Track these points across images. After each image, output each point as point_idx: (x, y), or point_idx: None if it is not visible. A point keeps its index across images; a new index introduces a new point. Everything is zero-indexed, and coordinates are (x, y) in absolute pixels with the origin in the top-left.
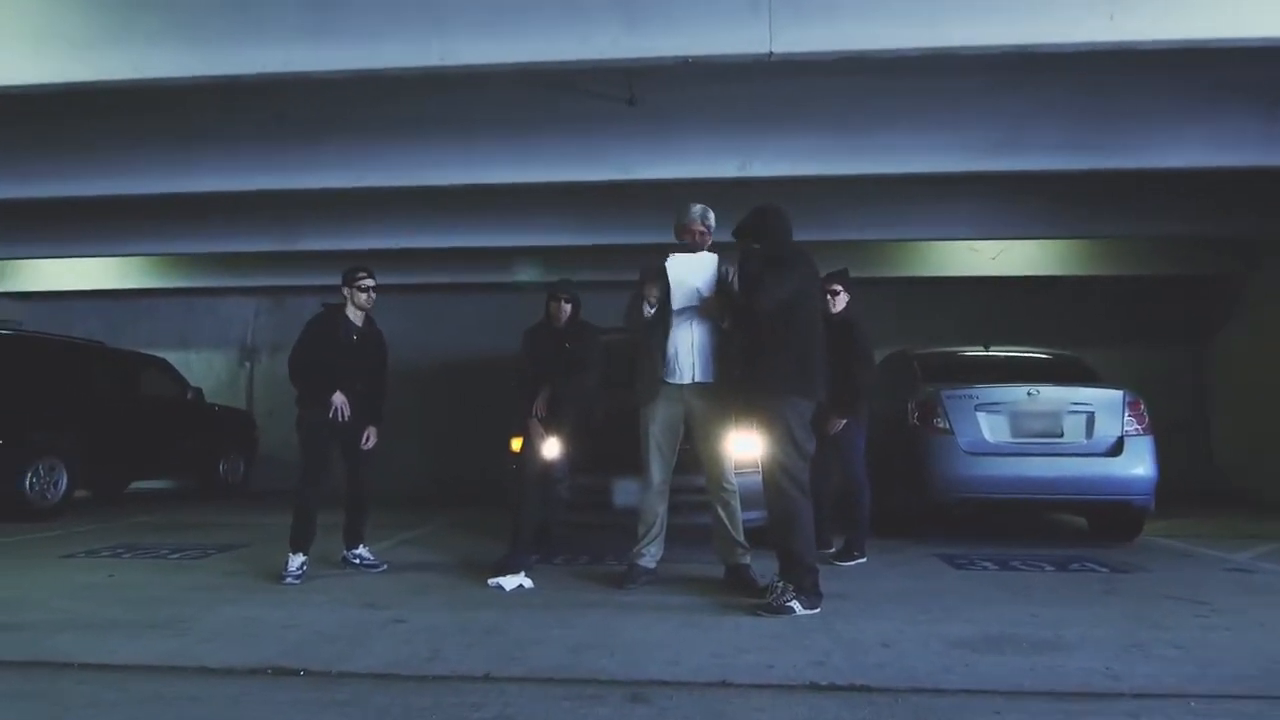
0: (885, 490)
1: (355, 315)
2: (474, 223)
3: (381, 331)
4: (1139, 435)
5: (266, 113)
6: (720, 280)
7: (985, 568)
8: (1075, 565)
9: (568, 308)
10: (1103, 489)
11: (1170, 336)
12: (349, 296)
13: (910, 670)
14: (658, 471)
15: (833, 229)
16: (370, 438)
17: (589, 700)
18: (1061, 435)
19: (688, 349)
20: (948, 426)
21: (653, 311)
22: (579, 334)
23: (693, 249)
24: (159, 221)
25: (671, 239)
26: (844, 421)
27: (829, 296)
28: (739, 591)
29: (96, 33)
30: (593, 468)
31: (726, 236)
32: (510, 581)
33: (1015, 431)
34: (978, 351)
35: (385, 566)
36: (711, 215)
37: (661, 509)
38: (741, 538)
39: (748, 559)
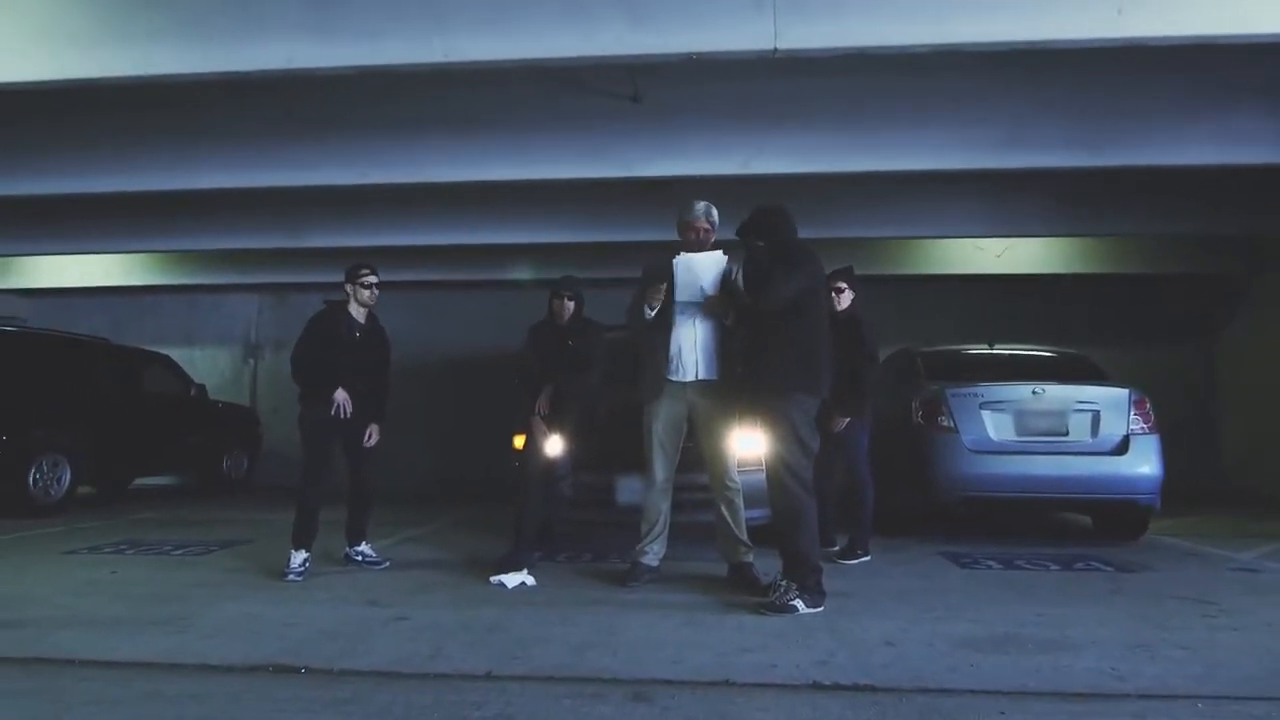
0: (889, 488)
1: (358, 312)
2: (477, 220)
3: (384, 328)
4: (1145, 434)
5: (270, 110)
6: (725, 278)
7: (990, 566)
8: (1080, 564)
9: (571, 305)
10: (1108, 488)
11: (1174, 335)
12: (352, 293)
13: (915, 670)
14: (661, 469)
15: (836, 226)
16: (373, 435)
17: (591, 699)
18: (1067, 434)
19: (691, 347)
20: (952, 425)
21: (653, 314)
22: (582, 331)
23: (696, 246)
24: (163, 218)
25: (675, 236)
26: (848, 419)
27: (834, 294)
28: (742, 590)
29: (100, 30)
30: (596, 465)
31: (729, 234)
32: (513, 579)
33: (1020, 430)
34: (982, 349)
35: (388, 564)
36: (715, 212)
37: (665, 507)
38: (745, 536)
39: (751, 557)
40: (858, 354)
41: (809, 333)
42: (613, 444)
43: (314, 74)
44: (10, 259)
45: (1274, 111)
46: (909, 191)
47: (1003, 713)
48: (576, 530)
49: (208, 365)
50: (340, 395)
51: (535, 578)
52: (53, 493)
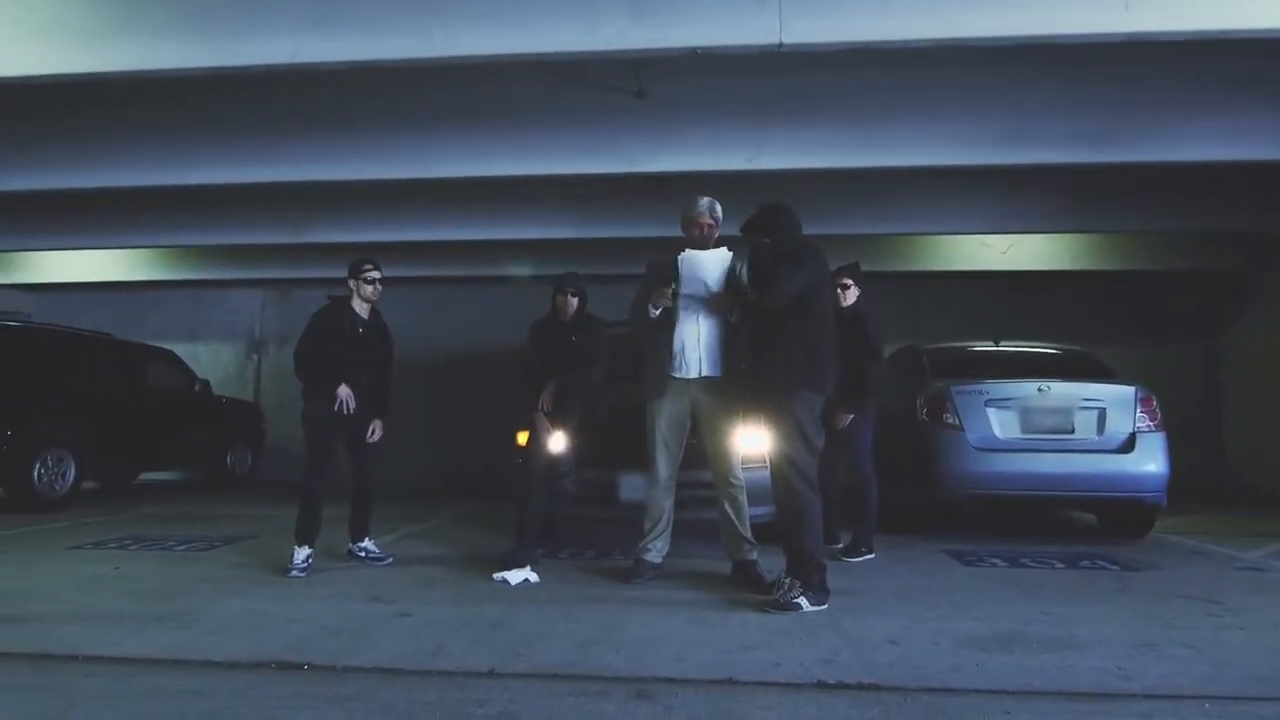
0: (893, 486)
1: (361, 307)
2: (481, 215)
3: (387, 324)
4: (1151, 432)
5: (273, 105)
6: (729, 274)
7: (994, 564)
8: (1085, 562)
9: (574, 301)
10: (1114, 486)
11: (1180, 332)
12: (355, 289)
13: (919, 669)
14: (664, 466)
15: (841, 223)
16: (376, 431)
17: (593, 697)
18: (1073, 431)
19: (694, 343)
20: (957, 422)
21: (658, 313)
22: (585, 328)
23: (700, 243)
24: (166, 213)
25: (678, 232)
26: (851, 416)
27: (839, 290)
28: (746, 587)
29: (103, 24)
30: (599, 462)
31: (733, 230)
32: (516, 576)
33: (1026, 427)
34: (988, 347)
35: (391, 560)
36: (719, 208)
37: (668, 504)
38: (749, 533)
39: (755, 555)
40: (862, 350)
41: (814, 330)
42: (616, 441)
43: (316, 68)
44: (14, 254)
45: None
46: (914, 187)
47: (1008, 712)
48: (580, 527)
49: (211, 361)
50: (343, 391)
51: (538, 574)
52: (58, 488)
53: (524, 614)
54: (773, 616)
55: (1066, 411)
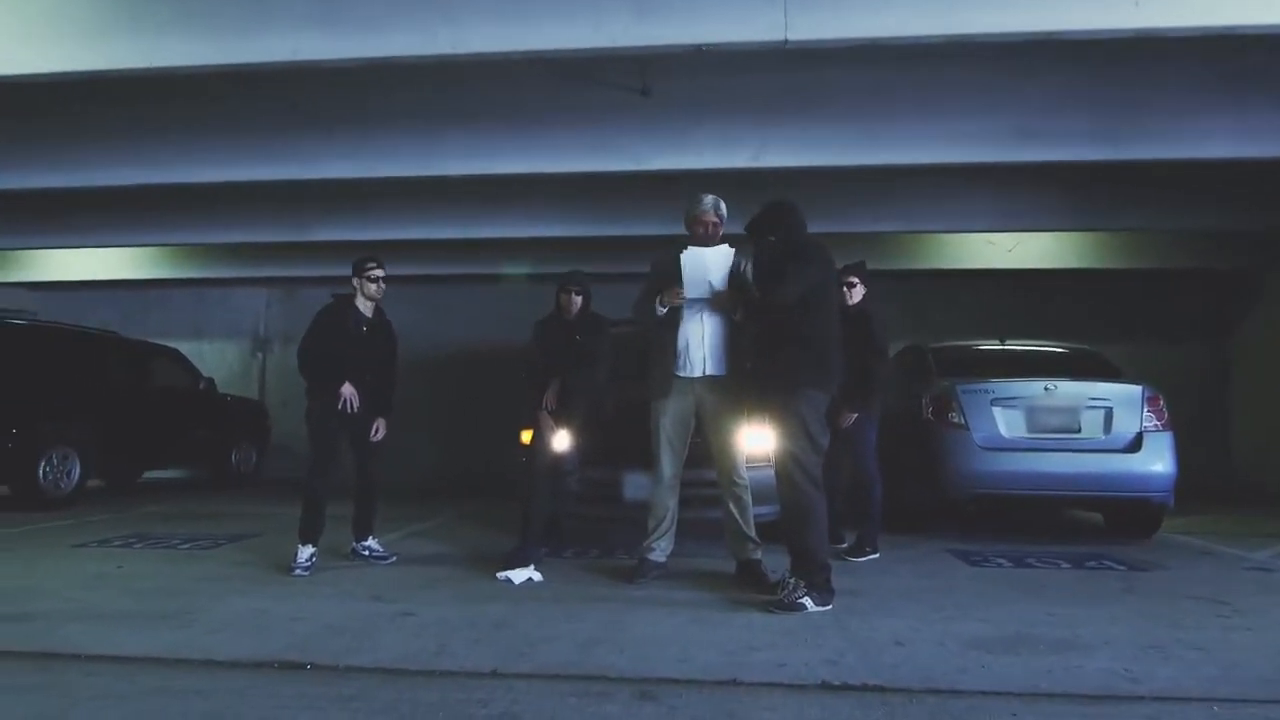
0: (897, 485)
1: (365, 306)
2: (485, 214)
3: (391, 322)
4: (1158, 431)
5: (278, 103)
6: (734, 273)
7: (1000, 565)
8: (1092, 563)
9: (578, 299)
10: (1121, 486)
11: (1187, 331)
12: (359, 287)
13: (925, 670)
14: (668, 465)
15: (847, 221)
16: (380, 429)
17: (597, 697)
18: (1079, 431)
19: (699, 342)
20: (963, 421)
21: (664, 311)
22: (590, 326)
23: (705, 241)
24: (171, 211)
25: (683, 230)
26: (856, 415)
27: (845, 288)
28: (750, 587)
29: (108, 21)
30: (603, 461)
31: (738, 228)
32: (519, 575)
33: (1032, 427)
34: (993, 345)
35: (394, 559)
36: (724, 206)
37: (672, 503)
38: (753, 533)
39: (759, 554)
40: (868, 349)
41: (819, 328)
42: (620, 439)
43: (321, 66)
44: (19, 252)
45: None
46: (920, 185)
47: (1014, 715)
48: (583, 526)
49: (216, 359)
50: (347, 389)
51: (542, 573)
52: (62, 486)
53: (527, 613)
54: (777, 617)
55: (1073, 411)
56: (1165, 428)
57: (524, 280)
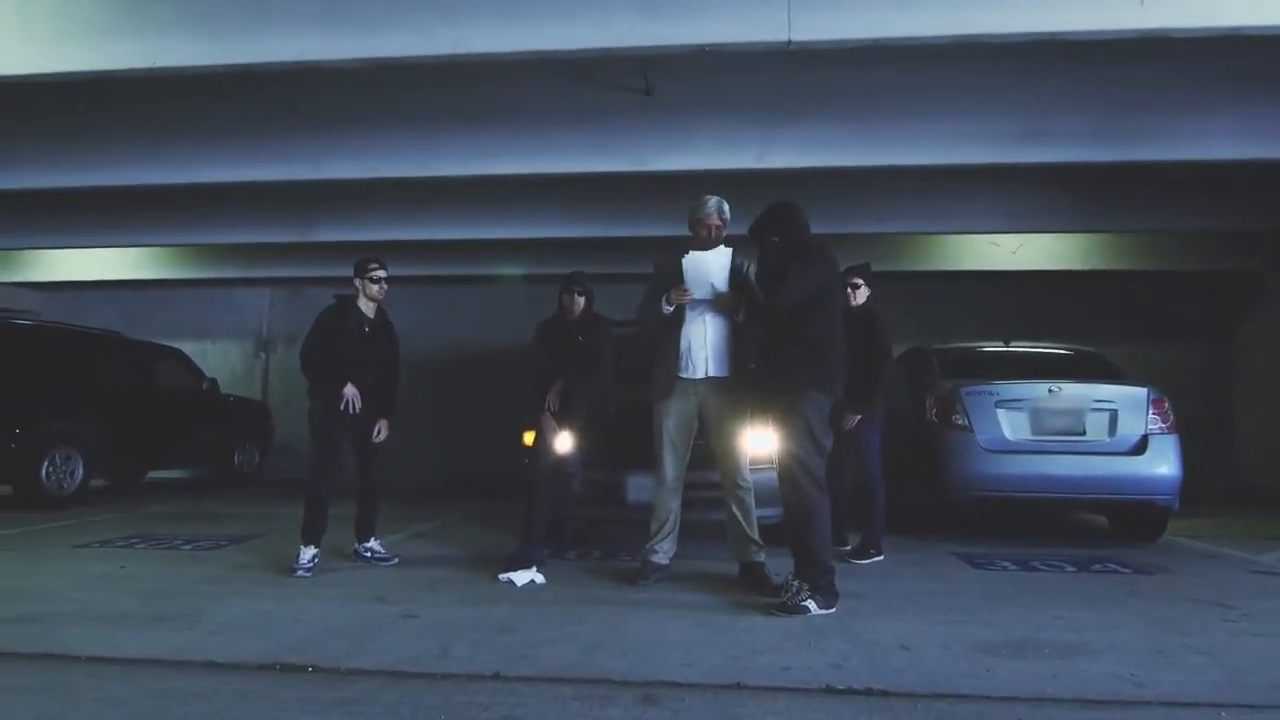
0: (901, 487)
1: (367, 306)
2: (487, 214)
3: (393, 323)
4: (1163, 434)
5: (281, 103)
6: (736, 274)
7: (1005, 568)
8: (1097, 566)
9: (581, 300)
10: (1126, 488)
11: (1191, 333)
12: (361, 288)
13: (929, 674)
14: (671, 467)
15: (850, 222)
16: (382, 430)
17: (600, 701)
18: (1084, 433)
19: (701, 343)
20: (967, 423)
21: (671, 310)
22: (592, 327)
23: (707, 244)
24: (173, 212)
25: (686, 231)
26: (859, 417)
27: (850, 290)
28: (753, 590)
29: (111, 22)
30: (605, 462)
31: (741, 229)
32: (522, 577)
33: (1036, 429)
34: (998, 347)
35: (397, 560)
36: (727, 208)
37: (675, 505)
38: (756, 535)
39: (762, 557)
40: (872, 351)
41: (823, 330)
42: (623, 441)
43: (324, 66)
44: (23, 252)
45: None
46: (924, 186)
47: None
48: (586, 527)
49: (219, 359)
50: (349, 390)
51: (544, 575)
52: (66, 486)
53: (529, 616)
54: (780, 620)
55: (1078, 413)
56: (1170, 430)
57: (526, 281)
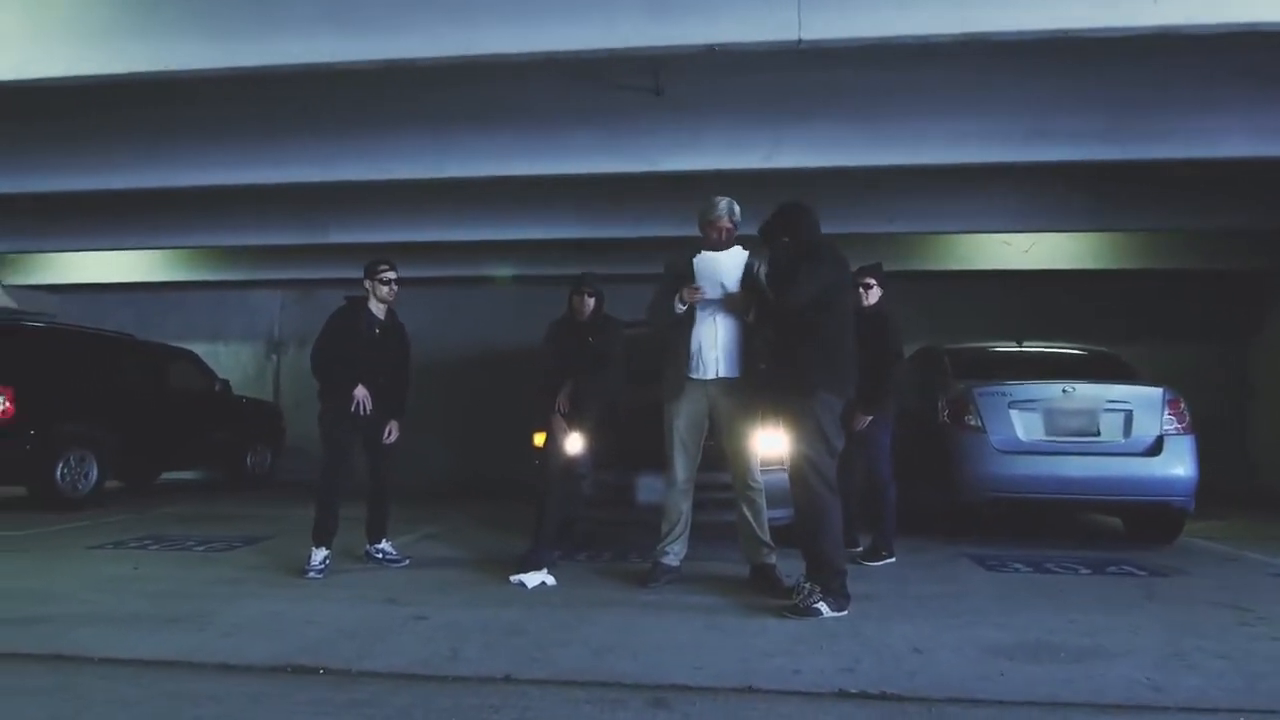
0: (912, 488)
1: (377, 308)
2: (496, 215)
3: (404, 325)
4: (1179, 434)
5: (293, 105)
6: (747, 274)
7: (1018, 570)
8: (1112, 568)
9: (591, 301)
10: (1141, 490)
11: (1204, 333)
12: (371, 289)
13: (943, 678)
14: (682, 468)
15: (860, 222)
16: (392, 432)
17: (610, 705)
18: (1098, 434)
19: (711, 344)
20: (979, 424)
21: (684, 309)
22: (602, 328)
23: (718, 245)
24: (187, 214)
25: (696, 232)
26: (870, 418)
27: (862, 290)
28: (764, 592)
29: (118, 25)
30: (616, 463)
31: (751, 230)
32: (532, 578)
33: (1050, 430)
34: (1011, 347)
35: (408, 561)
36: (737, 209)
37: (686, 506)
38: (767, 536)
39: (773, 558)
40: (883, 351)
41: (834, 331)
42: (633, 442)
43: (334, 68)
44: (37, 255)
45: None
46: (934, 186)
47: None
48: (597, 529)
49: (231, 361)
50: (360, 392)
51: (555, 577)
52: (80, 487)
53: (540, 618)
54: (792, 622)
55: (1092, 413)
56: (1186, 431)
57: (536, 282)
